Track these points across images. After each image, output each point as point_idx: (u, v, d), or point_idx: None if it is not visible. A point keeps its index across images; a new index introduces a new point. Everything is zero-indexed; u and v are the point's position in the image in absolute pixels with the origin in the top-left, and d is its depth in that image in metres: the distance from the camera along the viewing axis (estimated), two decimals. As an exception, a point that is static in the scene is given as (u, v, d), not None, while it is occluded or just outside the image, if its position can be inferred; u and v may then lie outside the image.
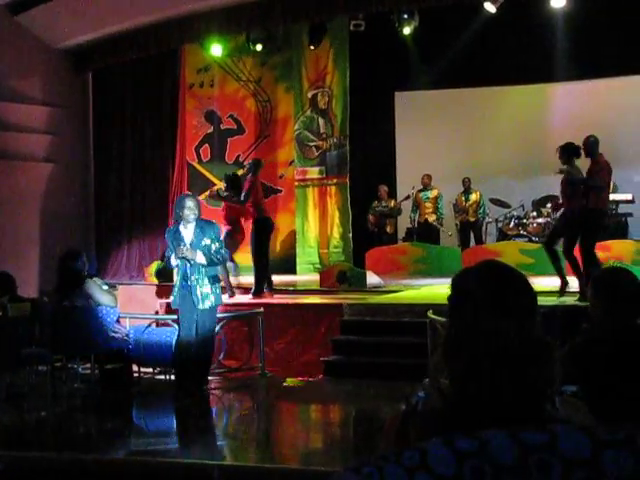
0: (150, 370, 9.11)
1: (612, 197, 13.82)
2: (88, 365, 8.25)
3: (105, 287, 8.48)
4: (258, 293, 10.97)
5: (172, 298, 8.23)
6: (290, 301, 10.80)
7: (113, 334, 8.24)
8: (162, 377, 8.94)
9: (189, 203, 7.98)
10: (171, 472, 5.19)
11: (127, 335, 8.58)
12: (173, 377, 8.59)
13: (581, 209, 9.31)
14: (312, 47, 14.79)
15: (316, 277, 12.73)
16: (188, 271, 7.91)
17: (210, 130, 15.97)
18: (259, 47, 15.14)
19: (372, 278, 12.07)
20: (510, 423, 1.41)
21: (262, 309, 9.65)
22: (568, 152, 9.48)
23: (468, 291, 1.72)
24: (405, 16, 13.51)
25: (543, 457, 1.27)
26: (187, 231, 7.94)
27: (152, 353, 8.79)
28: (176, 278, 8.16)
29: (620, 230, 14.03)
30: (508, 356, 1.59)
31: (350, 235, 14.84)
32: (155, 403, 8.33)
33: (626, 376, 3.12)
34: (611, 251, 12.51)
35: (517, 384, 1.57)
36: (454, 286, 1.77)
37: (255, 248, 11.08)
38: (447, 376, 1.67)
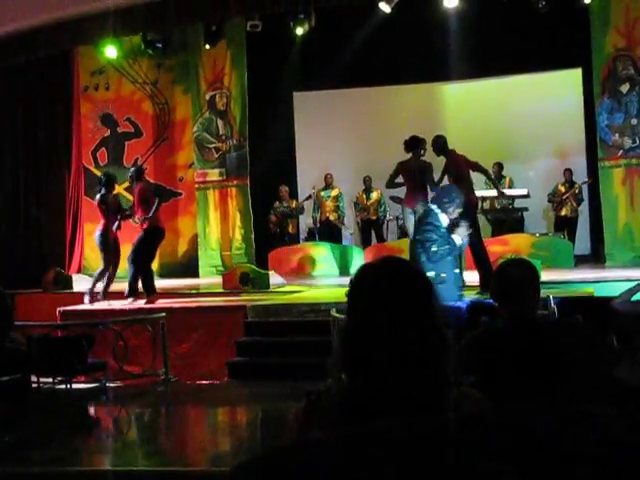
0: (50, 380, 8.87)
1: (508, 192, 14.20)
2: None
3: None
4: (133, 295, 10.83)
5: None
6: (193, 304, 10.68)
7: (9, 344, 7.98)
8: (62, 387, 8.72)
9: None
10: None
11: (24, 344, 8.32)
12: (75, 386, 8.39)
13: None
14: (208, 46, 14.68)
15: (219, 279, 12.65)
16: None
17: (107, 134, 15.71)
18: (154, 49, 14.97)
19: (275, 279, 12.06)
20: (405, 413, 1.41)
21: (164, 313, 9.53)
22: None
23: (360, 286, 1.74)
24: (301, 16, 13.54)
25: (435, 444, 1.28)
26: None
27: (52, 362, 8.56)
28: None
29: (517, 224, 14.39)
30: (399, 350, 1.60)
31: (252, 236, 14.79)
32: (55, 413, 8.11)
33: (519, 365, 3.20)
34: (509, 245, 12.83)
35: (408, 377, 1.58)
36: (350, 281, 1.79)
37: (142, 256, 10.88)
38: (344, 370, 1.68)
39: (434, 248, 7.13)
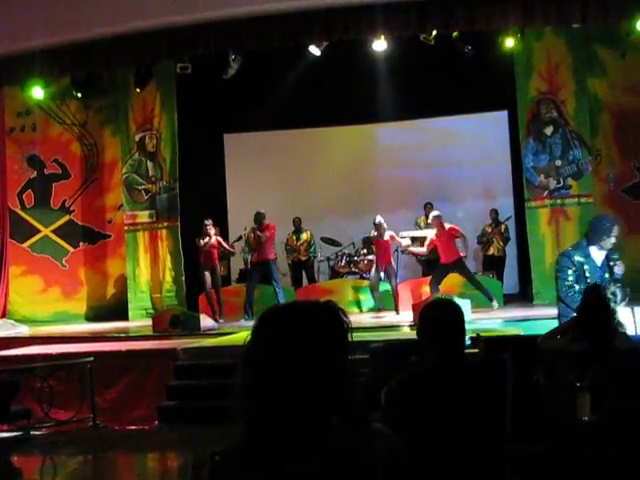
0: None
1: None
2: None
3: None
4: None
5: None
6: (122, 347, 10.48)
7: None
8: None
9: (618, 231, 7.14)
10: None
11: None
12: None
13: None
14: (138, 90, 14.62)
15: (149, 322, 12.47)
16: None
17: (33, 175, 15.47)
18: (83, 91, 14.82)
19: (206, 321, 11.94)
20: (299, 460, 1.41)
21: (92, 357, 9.35)
22: None
23: (258, 332, 1.71)
24: (231, 58, 13.57)
25: None
26: (597, 256, 7.03)
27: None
28: None
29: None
30: (293, 399, 1.58)
31: (183, 278, 14.66)
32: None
33: (446, 405, 3.20)
34: (440, 285, 12.92)
35: (300, 425, 1.57)
36: (253, 326, 1.74)
37: None
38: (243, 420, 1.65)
39: None
